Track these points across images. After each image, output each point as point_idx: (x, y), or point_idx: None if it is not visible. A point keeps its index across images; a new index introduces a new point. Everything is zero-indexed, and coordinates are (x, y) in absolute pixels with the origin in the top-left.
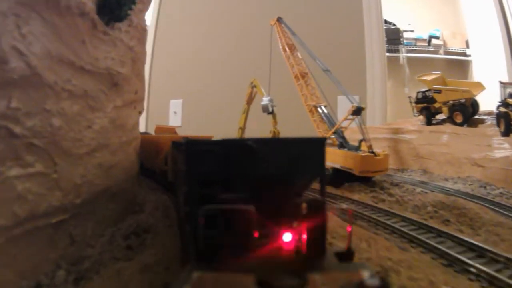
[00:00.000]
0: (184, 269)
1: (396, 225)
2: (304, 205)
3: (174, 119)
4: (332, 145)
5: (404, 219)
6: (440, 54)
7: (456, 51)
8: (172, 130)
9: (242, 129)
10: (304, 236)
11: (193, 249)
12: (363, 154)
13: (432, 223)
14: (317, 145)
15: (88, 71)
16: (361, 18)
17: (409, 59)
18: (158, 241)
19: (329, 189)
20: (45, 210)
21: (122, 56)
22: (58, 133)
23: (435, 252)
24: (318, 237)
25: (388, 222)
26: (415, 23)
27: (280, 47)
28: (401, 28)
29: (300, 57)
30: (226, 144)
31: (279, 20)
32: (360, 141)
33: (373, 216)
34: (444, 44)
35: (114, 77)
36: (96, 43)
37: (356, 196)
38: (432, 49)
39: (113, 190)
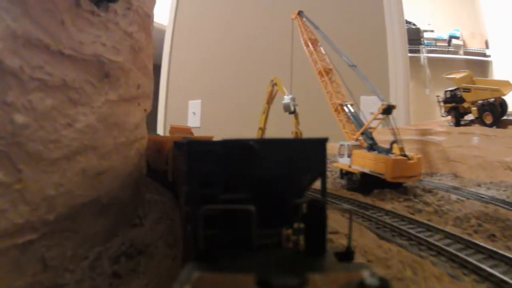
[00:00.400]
0: (184, 269)
1: (441, 244)
2: (304, 205)
3: (193, 120)
4: (360, 147)
5: (447, 235)
6: (460, 54)
7: (476, 51)
8: (187, 130)
9: (262, 129)
10: (304, 236)
11: (193, 249)
12: (396, 158)
13: (478, 239)
14: (318, 146)
15: (69, 57)
16: (382, 18)
17: (429, 59)
18: (153, 266)
19: (357, 197)
20: (5, 228)
21: (117, 42)
22: (22, 133)
23: (491, 280)
24: (318, 237)
25: (431, 240)
26: (434, 23)
27: (302, 42)
28: (421, 28)
29: (323, 52)
30: (227, 145)
31: (300, 13)
32: (392, 143)
33: (412, 232)
34: (464, 45)
35: (105, 66)
36: (80, 24)
37: (389, 206)
38: (452, 49)
39: (103, 201)
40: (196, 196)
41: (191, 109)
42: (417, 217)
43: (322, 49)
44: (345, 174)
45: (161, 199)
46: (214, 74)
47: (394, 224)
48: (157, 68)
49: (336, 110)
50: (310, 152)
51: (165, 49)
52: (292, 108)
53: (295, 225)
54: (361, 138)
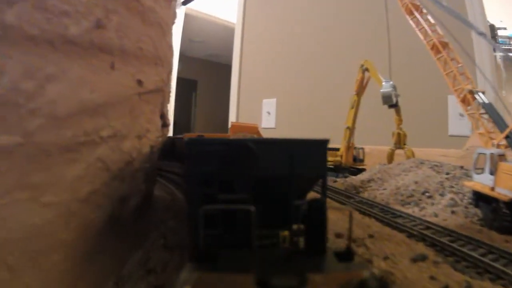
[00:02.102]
0: (184, 269)
1: None
2: (304, 206)
3: (268, 120)
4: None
5: None
6: None
7: None
8: (253, 129)
9: (351, 129)
10: (304, 237)
11: (193, 249)
12: None
13: None
14: (319, 147)
15: None
16: (465, 15)
17: (504, 59)
18: None
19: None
20: None
21: None
22: None
23: None
24: (318, 237)
25: None
26: (504, 20)
27: (403, 9)
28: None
29: (432, 21)
30: (225, 144)
31: None
32: None
33: None
34: None
35: None
36: None
37: None
38: None
39: None
40: (196, 195)
41: (265, 108)
42: None
43: (430, 17)
44: (482, 200)
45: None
46: (290, 69)
47: None
48: (228, 68)
49: (463, 100)
50: (311, 154)
51: (235, 46)
52: (394, 99)
53: (295, 226)
54: (502, 143)
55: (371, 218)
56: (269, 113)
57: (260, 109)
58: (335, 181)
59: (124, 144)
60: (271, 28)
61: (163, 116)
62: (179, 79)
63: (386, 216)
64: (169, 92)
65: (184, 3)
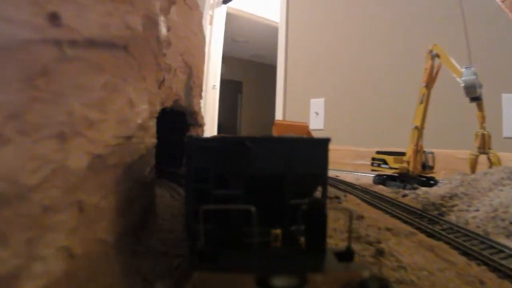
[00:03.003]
0: (184, 269)
1: None
2: (304, 206)
3: (316, 121)
4: None
5: None
6: None
7: None
8: (303, 128)
9: (419, 129)
10: (305, 236)
11: (193, 249)
12: None
13: None
14: (320, 146)
15: None
16: None
17: None
18: None
19: None
20: None
21: None
22: None
23: None
24: (318, 237)
25: None
26: None
27: None
28: None
29: None
30: (222, 142)
31: None
32: None
33: None
34: None
35: None
36: None
37: None
38: None
39: None
40: (193, 192)
41: (313, 108)
42: None
43: None
44: None
45: None
46: (338, 65)
47: None
48: (273, 69)
49: None
50: (310, 153)
51: (279, 46)
52: (478, 91)
53: (293, 225)
54: None
55: (479, 264)
56: (317, 113)
57: (308, 110)
58: (404, 195)
59: None
60: (317, 24)
61: (194, 113)
62: (223, 81)
63: (494, 257)
64: (200, 84)
65: (224, 2)
